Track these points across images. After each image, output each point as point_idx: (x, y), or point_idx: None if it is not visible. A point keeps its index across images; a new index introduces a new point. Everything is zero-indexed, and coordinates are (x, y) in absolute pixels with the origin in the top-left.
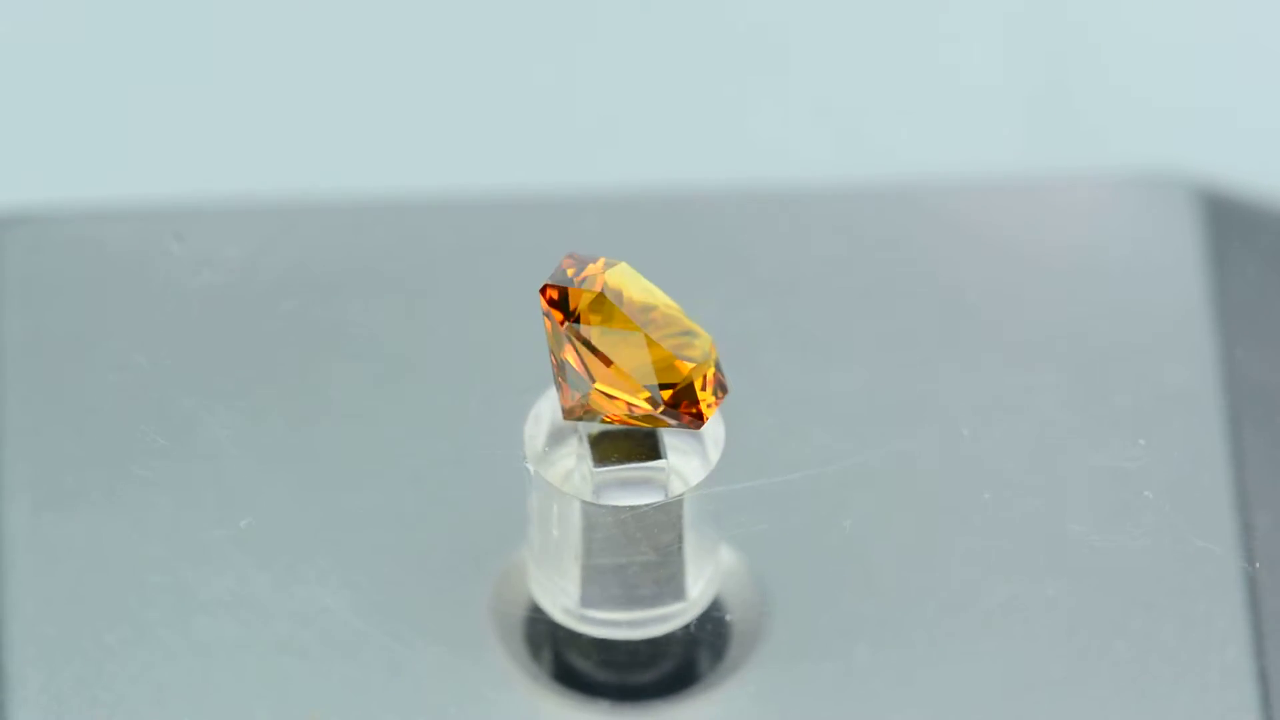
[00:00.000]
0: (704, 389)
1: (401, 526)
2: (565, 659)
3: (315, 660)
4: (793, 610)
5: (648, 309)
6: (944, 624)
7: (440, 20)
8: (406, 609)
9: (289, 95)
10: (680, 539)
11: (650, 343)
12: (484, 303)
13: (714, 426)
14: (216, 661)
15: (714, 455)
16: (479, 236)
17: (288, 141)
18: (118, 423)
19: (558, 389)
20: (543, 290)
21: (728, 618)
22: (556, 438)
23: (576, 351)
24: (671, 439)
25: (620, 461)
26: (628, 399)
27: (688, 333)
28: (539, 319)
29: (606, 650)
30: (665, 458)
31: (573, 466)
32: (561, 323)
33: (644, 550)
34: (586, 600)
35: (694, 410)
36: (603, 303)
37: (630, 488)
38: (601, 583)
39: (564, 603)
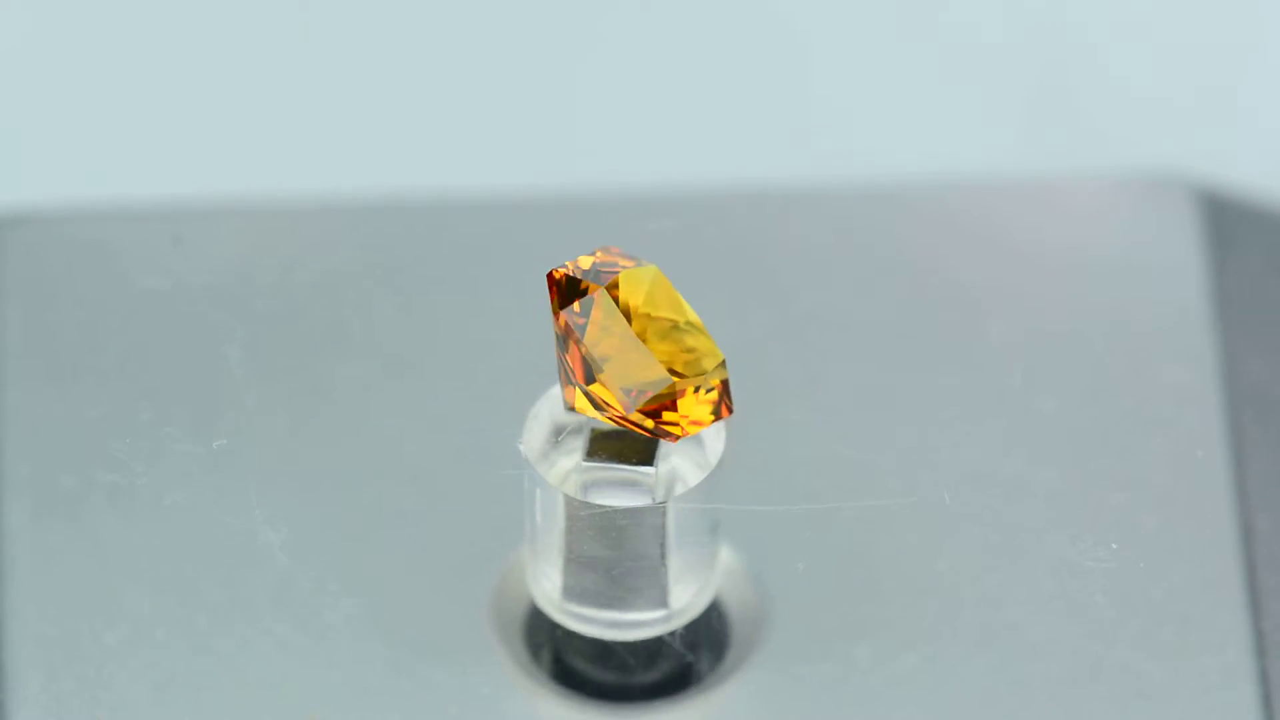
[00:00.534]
0: (691, 405)
1: (401, 526)
2: (565, 659)
3: (315, 660)
4: (793, 610)
5: (656, 316)
6: (944, 624)
7: (440, 20)
8: (406, 609)
9: (289, 96)
10: (663, 548)
11: (639, 347)
12: (484, 303)
13: (713, 442)
14: (216, 661)
15: (702, 471)
16: (479, 236)
17: (288, 141)
18: (118, 423)
19: (561, 381)
20: (550, 274)
21: (715, 623)
22: (556, 437)
23: (569, 343)
24: (678, 446)
25: (608, 460)
26: (600, 398)
27: (694, 349)
28: (539, 319)
29: (606, 651)
30: (655, 466)
31: (573, 465)
32: (557, 310)
33: (624, 553)
34: (567, 593)
35: (671, 423)
36: (603, 299)
37: (616, 488)
38: (581, 577)
39: (548, 590)
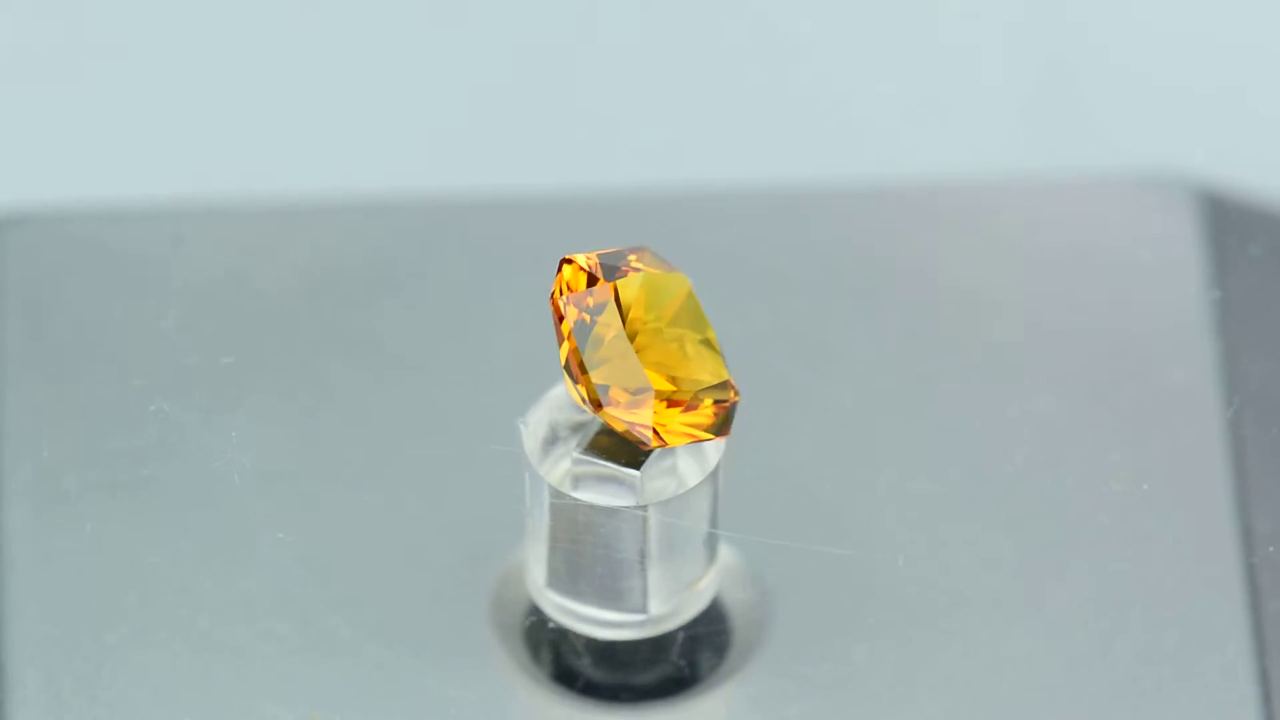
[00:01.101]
0: (673, 417)
1: (401, 526)
2: (565, 660)
3: (315, 660)
4: (793, 610)
5: (665, 327)
6: (944, 624)
7: (441, 20)
8: (406, 609)
9: (289, 95)
10: (644, 552)
11: (628, 350)
12: (484, 303)
13: (710, 455)
14: (216, 661)
15: (690, 481)
16: (479, 236)
17: (288, 141)
18: (118, 423)
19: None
20: (564, 260)
21: (683, 633)
22: (554, 437)
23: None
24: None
25: (597, 456)
26: (580, 392)
27: (696, 364)
28: (539, 319)
29: (606, 651)
30: (639, 470)
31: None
32: (557, 296)
33: (604, 552)
34: (550, 581)
35: (643, 426)
36: (601, 294)
37: (602, 486)
38: (557, 568)
39: (535, 575)
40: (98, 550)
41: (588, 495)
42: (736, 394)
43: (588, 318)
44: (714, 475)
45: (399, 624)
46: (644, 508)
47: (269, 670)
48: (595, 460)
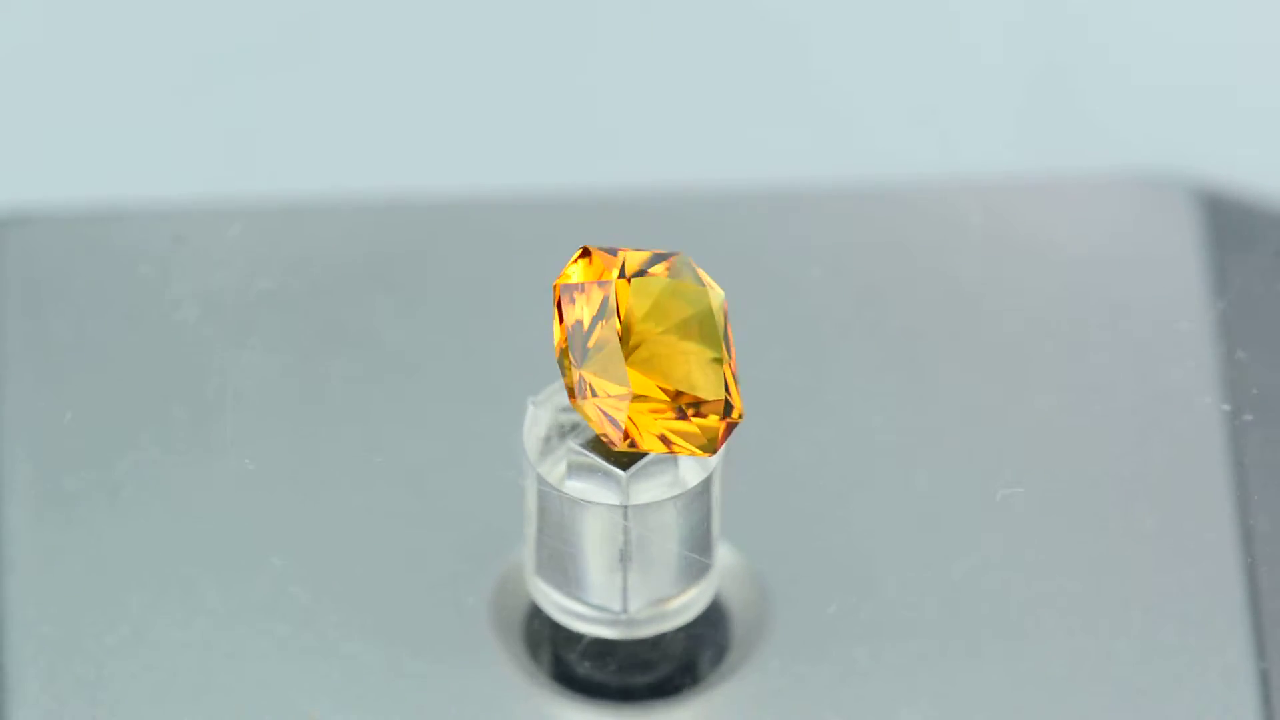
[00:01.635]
0: (652, 423)
1: (401, 526)
2: (565, 659)
3: (315, 660)
4: (793, 610)
5: (669, 337)
6: (944, 624)
7: (442, 20)
8: (406, 609)
9: (289, 96)
10: (625, 551)
11: (616, 351)
12: (484, 302)
13: (710, 462)
14: (216, 661)
15: (686, 486)
16: (479, 236)
17: (288, 141)
18: (118, 423)
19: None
20: (584, 249)
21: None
22: (555, 437)
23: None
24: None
25: (592, 451)
26: (567, 380)
27: (696, 378)
28: (539, 319)
29: (606, 651)
30: (624, 471)
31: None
32: (561, 282)
33: (586, 546)
34: (537, 568)
35: (616, 422)
36: (609, 294)
37: (591, 479)
38: (544, 558)
39: (528, 561)
40: (98, 550)
41: (573, 487)
42: (737, 416)
43: (587, 311)
44: (708, 484)
45: (399, 624)
46: (625, 508)
47: (269, 670)
48: (588, 454)
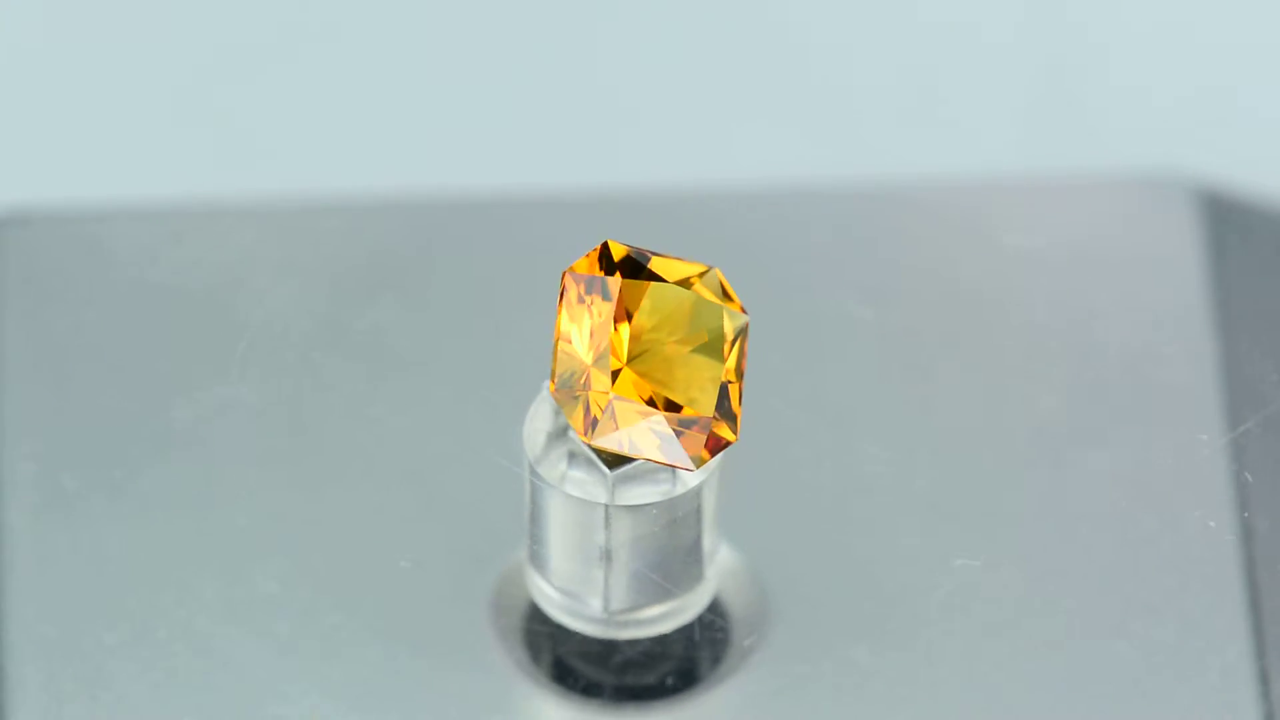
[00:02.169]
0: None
1: (402, 526)
2: (565, 660)
3: (315, 660)
4: (793, 610)
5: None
6: (944, 624)
7: (441, 20)
8: (406, 609)
9: (289, 95)
10: (607, 549)
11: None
12: (485, 302)
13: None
14: (216, 661)
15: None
16: (480, 235)
17: (288, 141)
18: (118, 423)
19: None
20: (606, 244)
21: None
22: (555, 437)
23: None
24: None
25: (586, 445)
26: (554, 366)
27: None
28: (540, 318)
29: (606, 651)
30: (608, 471)
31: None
32: (571, 271)
33: (573, 541)
34: (531, 557)
35: (579, 420)
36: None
37: (582, 474)
38: (537, 549)
39: (524, 556)
40: (98, 550)
41: (562, 477)
42: (728, 435)
43: (589, 302)
44: (698, 496)
45: (399, 624)
46: (606, 506)
47: (269, 670)
48: (586, 450)
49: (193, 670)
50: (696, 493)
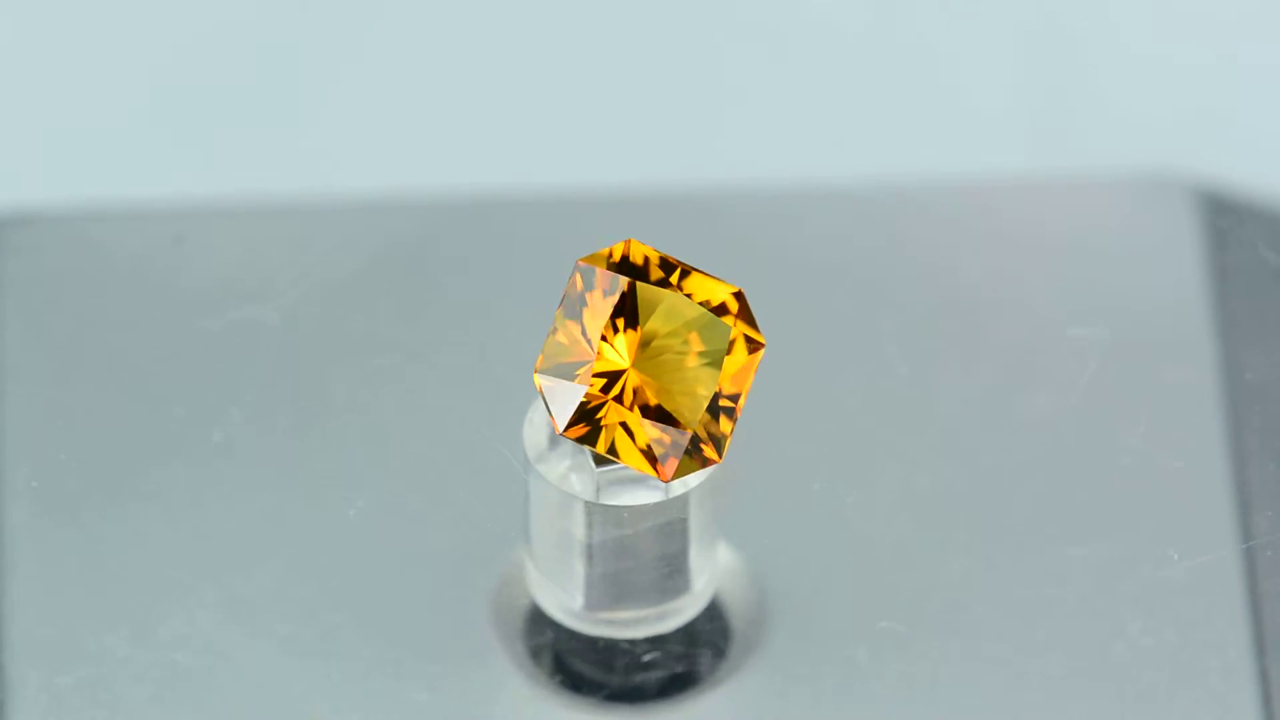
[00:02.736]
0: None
1: (401, 526)
2: (565, 660)
3: (315, 660)
4: (793, 610)
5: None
6: (944, 624)
7: (441, 20)
8: (406, 609)
9: (289, 95)
10: (588, 546)
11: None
12: (485, 302)
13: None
14: (216, 661)
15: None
16: (480, 236)
17: (288, 141)
18: (117, 423)
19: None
20: (630, 241)
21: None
22: (556, 436)
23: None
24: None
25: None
26: (545, 347)
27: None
28: (541, 318)
29: (606, 651)
30: (595, 468)
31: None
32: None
33: (560, 537)
34: (526, 542)
35: (562, 410)
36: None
37: (574, 469)
38: (531, 537)
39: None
40: (98, 550)
41: (549, 471)
42: (709, 454)
43: (596, 297)
44: (684, 503)
45: (399, 624)
46: (587, 503)
47: (269, 670)
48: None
49: (193, 670)
50: (682, 504)
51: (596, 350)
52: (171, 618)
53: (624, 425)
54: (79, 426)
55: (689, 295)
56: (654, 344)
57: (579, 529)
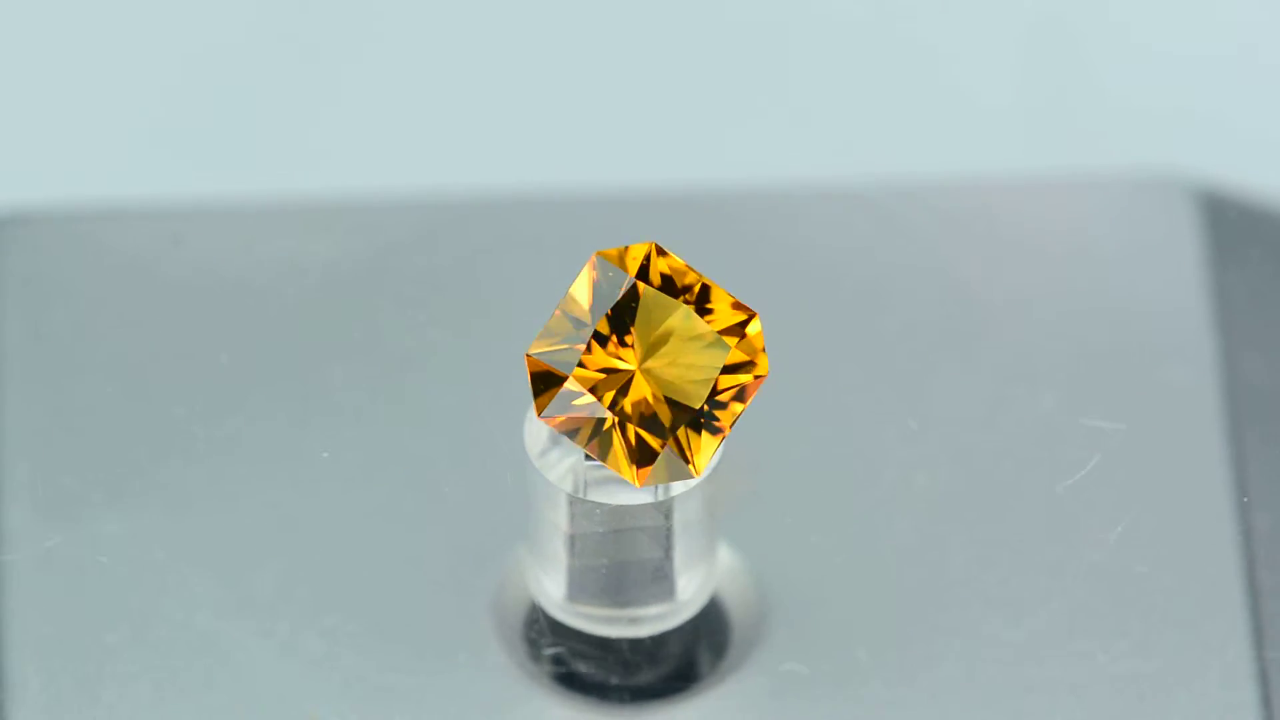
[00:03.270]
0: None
1: (401, 526)
2: (565, 659)
3: (315, 660)
4: (793, 610)
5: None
6: (944, 624)
7: (441, 20)
8: (406, 609)
9: (289, 95)
10: (570, 542)
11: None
12: (485, 302)
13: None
14: (216, 661)
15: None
16: (480, 236)
17: (288, 141)
18: (117, 423)
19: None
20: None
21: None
22: (557, 436)
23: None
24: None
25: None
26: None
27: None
28: (541, 318)
29: (606, 650)
30: (587, 460)
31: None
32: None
33: (549, 530)
34: (526, 531)
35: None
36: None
37: (570, 464)
38: (528, 524)
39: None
40: (97, 550)
41: (547, 466)
42: (676, 469)
43: (607, 292)
44: (668, 506)
45: (399, 624)
46: (570, 496)
47: (269, 670)
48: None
49: (193, 670)
50: (665, 511)
51: (589, 345)
52: (171, 617)
53: (605, 423)
54: (79, 426)
55: (709, 308)
56: (650, 348)
57: (562, 520)
